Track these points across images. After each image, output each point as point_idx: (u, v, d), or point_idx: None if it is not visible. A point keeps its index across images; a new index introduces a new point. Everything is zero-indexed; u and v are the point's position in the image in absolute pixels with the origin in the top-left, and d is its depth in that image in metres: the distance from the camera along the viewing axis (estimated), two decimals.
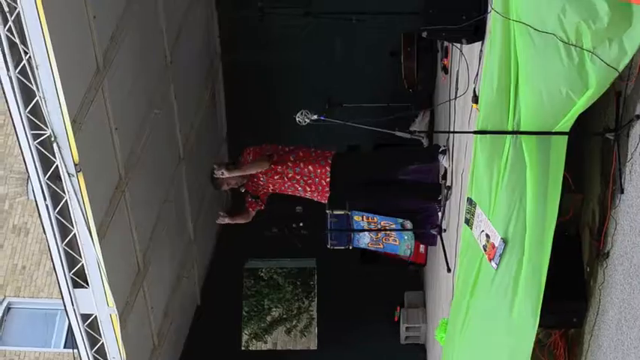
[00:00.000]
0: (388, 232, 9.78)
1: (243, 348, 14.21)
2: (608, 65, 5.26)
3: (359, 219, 9.69)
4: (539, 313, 6.32)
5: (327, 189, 9.20)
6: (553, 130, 5.72)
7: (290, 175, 9.18)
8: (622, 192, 5.87)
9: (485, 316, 6.75)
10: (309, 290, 15.38)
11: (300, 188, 9.25)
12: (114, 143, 8.60)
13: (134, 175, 9.10)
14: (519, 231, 6.10)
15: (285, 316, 16.28)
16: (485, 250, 6.43)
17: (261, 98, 12.80)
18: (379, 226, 9.76)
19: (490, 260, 6.36)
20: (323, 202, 9.43)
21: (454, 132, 7.78)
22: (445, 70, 9.00)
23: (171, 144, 10.61)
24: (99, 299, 8.47)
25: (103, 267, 8.19)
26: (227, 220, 9.64)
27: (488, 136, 5.93)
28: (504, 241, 6.15)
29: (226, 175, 9.15)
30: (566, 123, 5.64)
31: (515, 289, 6.32)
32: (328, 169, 9.13)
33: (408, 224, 9.63)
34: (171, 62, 10.15)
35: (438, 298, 9.69)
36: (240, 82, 12.85)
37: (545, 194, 5.93)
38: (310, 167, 9.17)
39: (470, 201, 6.53)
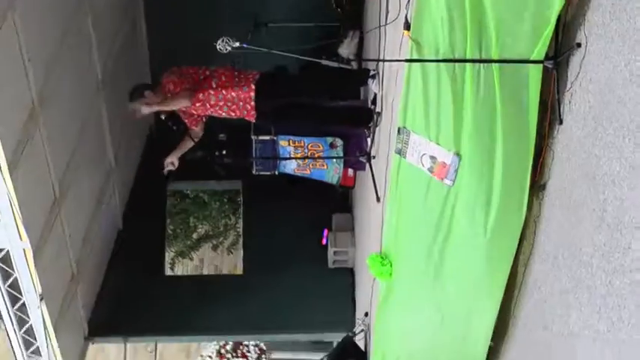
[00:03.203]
0: (316, 156, 9.53)
1: (168, 266, 14.00)
2: None
3: (285, 144, 9.44)
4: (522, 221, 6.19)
5: (254, 112, 8.82)
6: (531, 58, 5.49)
7: (212, 102, 8.78)
8: (561, 123, 5.65)
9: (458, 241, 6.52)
10: (236, 207, 15.18)
11: (224, 114, 8.87)
12: (27, 74, 8.14)
13: (50, 105, 8.67)
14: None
15: (211, 233, 16.09)
16: (432, 172, 6.19)
17: (184, 19, 12.32)
18: (306, 149, 9.50)
19: (443, 179, 6.13)
20: (251, 120, 9.08)
21: (384, 60, 7.45)
22: None
23: (90, 71, 10.15)
24: (11, 234, 8.08)
25: (15, 201, 7.78)
26: (176, 163, 9.21)
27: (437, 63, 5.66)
28: (458, 155, 5.94)
29: (146, 111, 8.72)
30: (540, 48, 5.42)
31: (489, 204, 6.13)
32: (252, 94, 8.73)
33: (338, 142, 9.37)
34: None
35: (367, 226, 9.47)
36: (163, 3, 12.34)
37: (525, 126, 5.76)
38: (233, 93, 8.76)
39: (401, 130, 6.27)
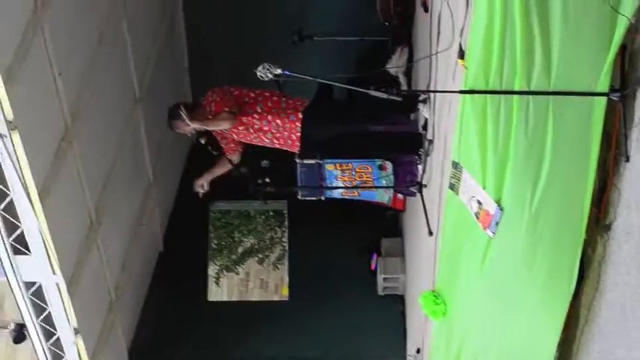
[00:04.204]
0: (364, 179, 9.12)
1: (213, 280, 13.64)
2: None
3: (331, 168, 9.02)
4: (574, 282, 5.87)
5: (298, 142, 8.43)
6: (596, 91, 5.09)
7: (257, 126, 8.41)
8: (627, 160, 5.18)
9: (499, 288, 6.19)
10: (282, 220, 14.86)
11: (267, 140, 8.50)
12: (58, 90, 7.63)
13: (83, 123, 8.19)
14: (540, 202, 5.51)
15: (257, 246, 15.78)
16: (477, 218, 5.81)
17: (226, 31, 11.94)
18: (354, 172, 9.09)
19: (485, 228, 5.75)
20: (294, 151, 8.70)
21: (436, 91, 6.99)
22: (425, 7, 8.18)
23: (126, 83, 9.70)
24: (42, 267, 7.71)
25: (47, 233, 7.39)
26: (207, 187, 9.07)
27: (484, 96, 5.21)
28: (500, 208, 5.54)
29: (190, 126, 8.34)
30: (603, 79, 5.01)
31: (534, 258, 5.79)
32: (299, 124, 8.35)
33: (388, 165, 8.97)
34: None
35: (418, 254, 9.05)
36: (203, 8, 11.92)
37: (584, 163, 5.35)
38: (279, 121, 8.37)
39: (455, 165, 5.89)
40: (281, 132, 8.41)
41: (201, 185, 9.05)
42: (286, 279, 13.08)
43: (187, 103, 9.13)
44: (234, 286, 16.28)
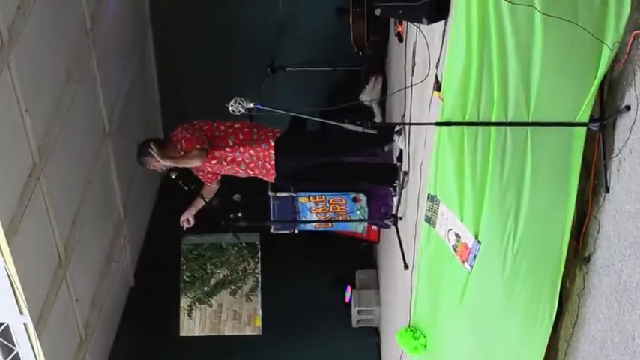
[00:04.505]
0: (338, 211, 9.03)
1: (185, 312, 13.48)
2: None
3: (305, 200, 8.93)
4: (553, 315, 5.70)
5: (273, 171, 8.30)
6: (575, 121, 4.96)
7: (229, 158, 8.25)
8: (607, 191, 5.06)
9: (478, 322, 6.04)
10: (255, 251, 14.74)
11: (241, 171, 8.34)
12: (25, 127, 7.52)
13: (51, 159, 8.07)
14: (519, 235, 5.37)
15: (230, 277, 15.62)
16: (455, 251, 5.67)
17: (197, 60, 11.81)
18: (327, 204, 9.00)
19: (463, 262, 5.61)
20: (270, 181, 8.63)
21: (412, 124, 6.89)
22: (400, 37, 8.09)
23: (95, 118, 9.58)
24: (10, 307, 7.53)
25: (14, 272, 7.21)
26: (192, 221, 8.95)
27: (460, 128, 5.08)
28: (478, 241, 5.40)
29: (161, 163, 8.20)
30: (584, 110, 4.90)
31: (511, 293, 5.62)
32: (272, 151, 8.19)
33: (362, 197, 8.88)
34: (91, 29, 9.03)
35: (394, 286, 8.94)
36: (174, 43, 11.82)
37: (563, 194, 5.22)
38: (252, 151, 8.22)
39: (431, 198, 5.75)
40: (255, 161, 8.27)
41: (187, 220, 8.93)
42: (259, 310, 12.95)
43: (157, 139, 8.97)
44: (207, 318, 16.08)
